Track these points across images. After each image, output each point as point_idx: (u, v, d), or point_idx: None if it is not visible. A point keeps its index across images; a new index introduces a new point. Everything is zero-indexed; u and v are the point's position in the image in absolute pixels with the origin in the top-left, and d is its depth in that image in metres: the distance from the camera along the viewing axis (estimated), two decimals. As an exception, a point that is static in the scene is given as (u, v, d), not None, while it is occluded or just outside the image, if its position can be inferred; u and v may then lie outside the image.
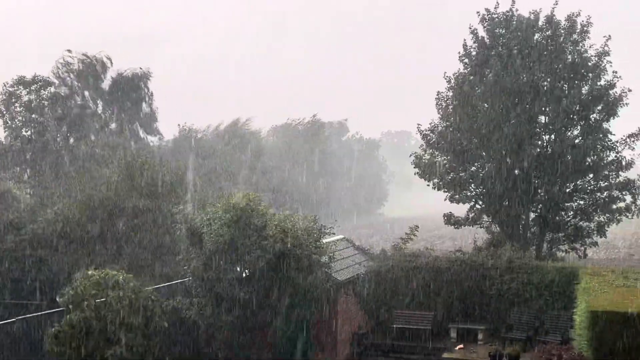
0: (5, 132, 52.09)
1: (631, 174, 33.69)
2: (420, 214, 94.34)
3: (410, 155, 35.78)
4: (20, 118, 52.04)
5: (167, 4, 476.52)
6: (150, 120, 60.95)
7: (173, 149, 62.20)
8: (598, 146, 32.78)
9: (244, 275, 21.58)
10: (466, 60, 34.23)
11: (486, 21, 33.88)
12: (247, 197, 22.12)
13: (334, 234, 25.99)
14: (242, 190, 24.59)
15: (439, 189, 35.22)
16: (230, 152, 65.49)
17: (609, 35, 33.18)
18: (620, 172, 33.40)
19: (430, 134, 34.89)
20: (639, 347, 17.10)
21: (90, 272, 20.04)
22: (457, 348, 25.92)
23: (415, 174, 35.57)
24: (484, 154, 33.34)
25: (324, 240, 23.41)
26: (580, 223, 33.90)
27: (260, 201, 22.73)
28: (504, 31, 33.43)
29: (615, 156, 33.36)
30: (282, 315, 22.17)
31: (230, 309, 21.27)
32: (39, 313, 20.54)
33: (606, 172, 33.36)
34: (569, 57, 32.91)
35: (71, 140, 52.32)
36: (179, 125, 69.64)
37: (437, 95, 34.95)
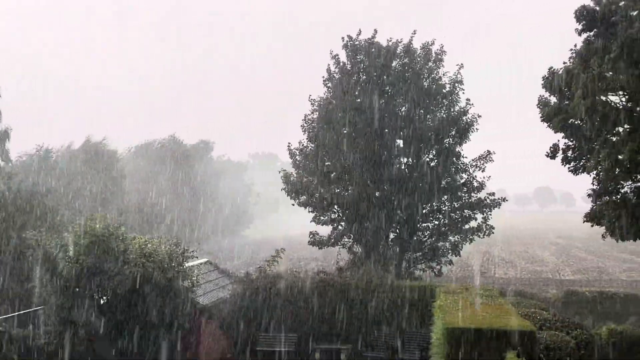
0: None
1: (482, 194, 35.74)
2: (286, 235, 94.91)
3: (280, 171, 36.05)
4: None
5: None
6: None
7: (26, 170, 58.89)
8: (452, 168, 34.54)
9: (102, 302, 20.74)
10: (329, 84, 35.10)
11: (348, 47, 34.91)
12: (105, 221, 21.34)
13: (197, 257, 25.57)
14: (101, 213, 23.68)
15: (305, 207, 35.71)
16: (88, 173, 62.96)
17: (462, 64, 35.17)
18: (472, 194, 35.33)
19: (298, 155, 35.42)
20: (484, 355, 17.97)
21: None
22: (320, 369, 26.18)
23: (282, 189, 35.84)
24: (346, 176, 34.15)
25: (188, 264, 22.97)
26: (437, 243, 35.46)
27: (119, 225, 22.00)
28: (364, 57, 34.56)
29: (468, 178, 35.30)
30: (145, 342, 21.45)
31: (87, 337, 20.34)
32: None
33: (459, 194, 35.17)
34: (425, 83, 34.51)
35: None
36: (37, 145, 66.13)
37: (304, 118, 35.60)
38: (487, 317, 20.00)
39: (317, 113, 35.10)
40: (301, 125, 35.68)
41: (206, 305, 24.71)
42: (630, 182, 25.05)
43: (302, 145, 35.62)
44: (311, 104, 35.40)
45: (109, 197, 61.95)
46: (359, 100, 33.46)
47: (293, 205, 36.16)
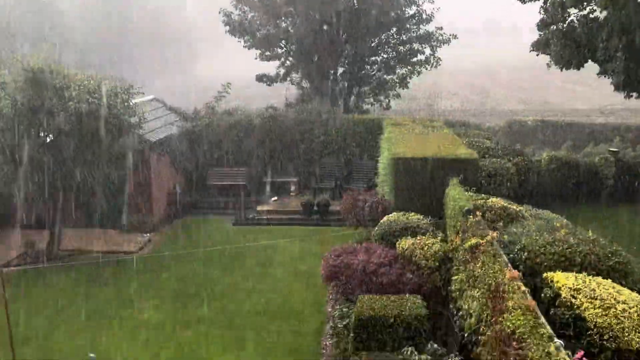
0: None
1: (430, 27, 35.42)
2: (232, 74, 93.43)
3: (220, 11, 34.81)
4: None
5: None
6: None
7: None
8: (401, 0, 33.88)
9: (47, 140, 20.44)
10: None
11: None
12: (44, 57, 20.56)
13: (143, 94, 25.14)
14: (40, 51, 22.70)
15: (250, 48, 35.03)
16: (24, 10, 59.81)
17: None
18: (421, 26, 34.98)
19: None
20: (433, 188, 18.68)
21: None
22: (271, 200, 26.91)
23: (226, 32, 34.87)
24: (292, 9, 33.22)
25: (133, 101, 22.60)
26: (384, 76, 35.52)
27: (58, 62, 21.26)
28: None
29: (417, 10, 34.78)
30: (92, 179, 21.49)
31: (32, 174, 20.17)
32: None
33: (408, 26, 34.78)
34: None
35: None
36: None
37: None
38: (431, 147, 20.50)
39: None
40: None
41: (155, 142, 24.66)
42: (576, 11, 25.05)
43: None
44: None
45: (47, 33, 59.36)
46: None
47: (239, 42, 35.33)
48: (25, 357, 14.40)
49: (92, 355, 11.83)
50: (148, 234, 23.82)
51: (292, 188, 27.79)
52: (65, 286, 19.16)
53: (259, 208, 26.13)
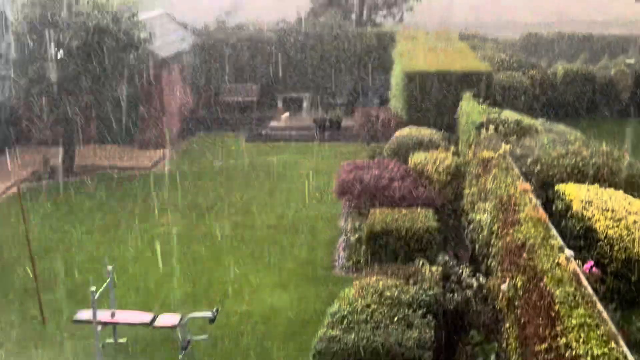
0: None
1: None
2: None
3: None
4: None
5: None
6: None
7: None
8: None
9: (58, 57, 20.29)
10: None
11: None
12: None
13: (153, 9, 24.79)
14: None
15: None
16: None
17: None
18: None
19: None
20: (446, 102, 18.55)
21: None
22: (283, 117, 26.84)
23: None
24: None
25: (143, 16, 22.27)
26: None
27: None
28: None
29: None
30: (104, 96, 21.46)
31: (47, 91, 20.19)
32: None
33: None
34: None
35: None
36: None
37: None
38: (445, 61, 20.24)
39: None
40: None
41: (166, 57, 24.43)
42: None
43: None
44: None
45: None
46: None
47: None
48: (45, 269, 14.78)
49: (109, 267, 12.11)
50: (162, 150, 23.94)
51: (305, 104, 27.66)
52: (81, 201, 19.45)
53: (271, 124, 26.10)
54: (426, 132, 17.20)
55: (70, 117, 21.40)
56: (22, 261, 14.88)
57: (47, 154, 22.38)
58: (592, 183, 10.77)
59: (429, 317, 9.51)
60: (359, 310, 9.60)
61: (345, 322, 9.38)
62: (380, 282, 10.33)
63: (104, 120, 23.78)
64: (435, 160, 15.25)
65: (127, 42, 20.59)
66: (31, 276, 13.14)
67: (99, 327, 11.34)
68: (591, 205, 9.64)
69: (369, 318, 9.41)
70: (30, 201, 18.71)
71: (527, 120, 15.64)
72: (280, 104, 27.64)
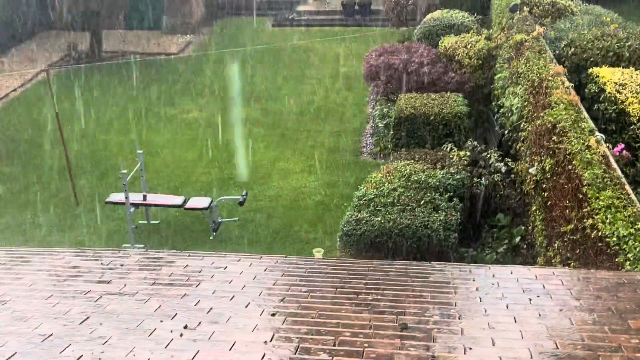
0: None
1: None
2: None
3: None
4: None
5: None
6: None
7: None
8: None
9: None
10: None
11: None
12: None
13: None
14: None
15: None
16: None
17: None
18: None
19: None
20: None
21: None
22: (311, 0, 26.17)
23: None
24: None
25: None
26: None
27: None
28: None
29: None
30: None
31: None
32: None
33: None
34: None
35: None
36: None
37: None
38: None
39: None
40: None
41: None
42: None
43: None
44: None
45: None
46: None
47: None
48: (76, 152, 15.04)
49: (139, 151, 12.27)
50: (188, 35, 23.67)
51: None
52: (110, 86, 19.51)
53: (299, 8, 25.51)
54: (458, 15, 16.69)
55: (98, 2, 21.14)
56: (54, 145, 15.13)
57: (74, 39, 22.29)
58: (627, 66, 10.46)
59: (456, 200, 9.56)
60: (385, 193, 9.69)
61: (372, 204, 9.49)
62: (408, 167, 10.35)
63: (130, 5, 23.48)
64: (466, 44, 14.87)
65: None
66: (63, 160, 13.40)
67: (132, 209, 11.63)
68: (625, 89, 9.39)
69: (395, 201, 9.50)
70: (59, 86, 18.81)
71: (562, 1, 15.06)
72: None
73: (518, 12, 13.53)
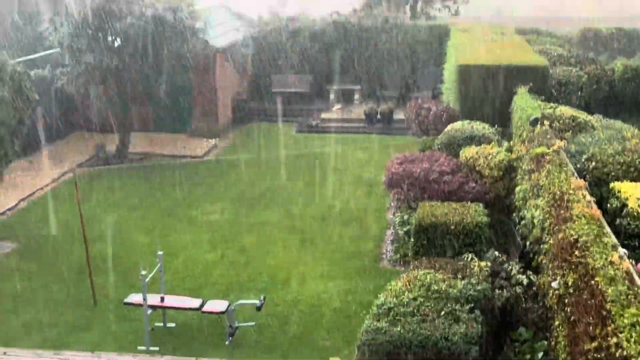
0: None
1: None
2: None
3: None
4: None
5: None
6: None
7: None
8: None
9: (115, 44, 20.70)
10: None
11: None
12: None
13: (209, -1, 25.05)
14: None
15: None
16: None
17: None
18: None
19: None
20: (500, 96, 18.26)
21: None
22: (334, 108, 26.83)
23: None
24: None
25: (198, 7, 22.55)
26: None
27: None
28: None
29: None
30: (159, 85, 21.85)
31: (103, 79, 20.71)
32: None
33: None
34: None
35: None
36: None
37: None
38: (500, 54, 19.94)
39: None
40: None
41: (220, 48, 24.66)
42: None
43: None
44: None
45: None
46: None
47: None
48: (98, 252, 15.13)
49: (159, 252, 12.34)
50: (214, 139, 24.21)
51: (356, 96, 27.59)
52: (135, 187, 19.83)
53: (322, 116, 26.11)
54: (478, 127, 16.96)
55: (126, 105, 21.87)
56: (76, 244, 15.27)
57: (102, 140, 22.90)
58: (649, 182, 10.50)
59: (477, 312, 9.41)
60: (405, 302, 9.57)
61: (391, 314, 9.36)
62: (428, 276, 10.26)
63: (158, 108, 24.26)
64: (487, 155, 15.05)
65: (183, 31, 20.89)
66: (84, 259, 13.47)
67: (149, 311, 11.57)
68: (647, 204, 9.39)
69: (415, 311, 9.37)
70: (85, 186, 19.16)
71: (583, 116, 15.30)
72: (332, 96, 27.61)
73: (539, 125, 13.74)
